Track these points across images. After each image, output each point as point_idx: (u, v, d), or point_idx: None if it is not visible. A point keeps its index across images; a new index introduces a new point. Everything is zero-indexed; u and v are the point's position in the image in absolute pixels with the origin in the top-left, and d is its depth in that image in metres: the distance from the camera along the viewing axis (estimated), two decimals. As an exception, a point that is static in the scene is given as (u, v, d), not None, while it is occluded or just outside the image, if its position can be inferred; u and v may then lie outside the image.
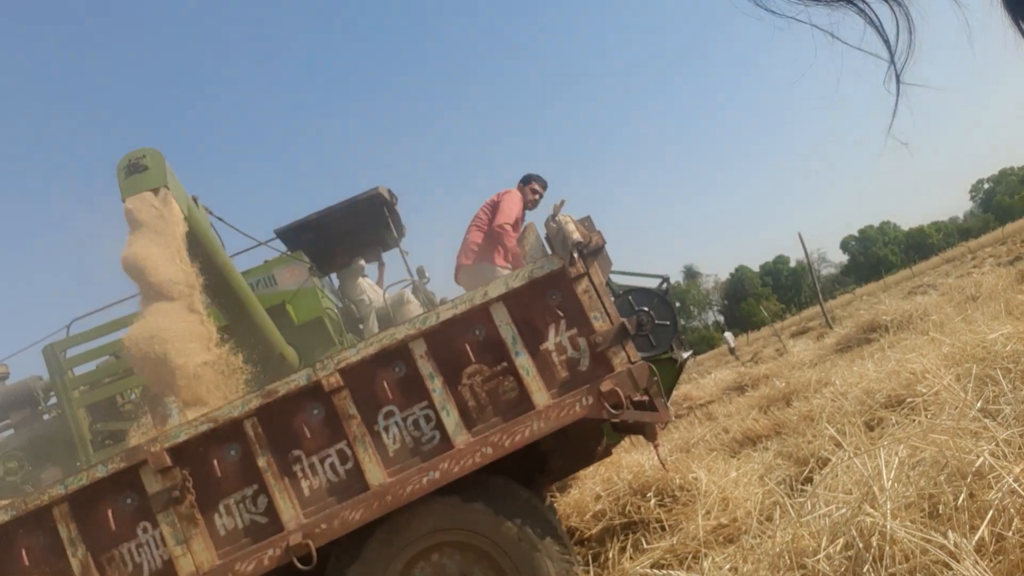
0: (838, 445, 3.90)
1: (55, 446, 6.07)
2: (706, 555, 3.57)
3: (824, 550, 2.60)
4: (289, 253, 6.67)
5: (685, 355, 5.32)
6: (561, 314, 3.48)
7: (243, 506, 3.38)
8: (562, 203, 5.56)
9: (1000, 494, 2.40)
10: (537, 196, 6.40)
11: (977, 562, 2.19)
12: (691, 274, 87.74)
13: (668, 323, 4.56)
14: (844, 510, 2.75)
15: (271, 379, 3.55)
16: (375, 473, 3.32)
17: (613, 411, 3.31)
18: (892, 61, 1.02)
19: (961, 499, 2.48)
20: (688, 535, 3.95)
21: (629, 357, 3.41)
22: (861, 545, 2.48)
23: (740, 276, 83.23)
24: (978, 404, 3.23)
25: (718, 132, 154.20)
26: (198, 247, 4.56)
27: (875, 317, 10.53)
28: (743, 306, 76.17)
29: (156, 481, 3.31)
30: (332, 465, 3.40)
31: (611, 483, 4.96)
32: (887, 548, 2.39)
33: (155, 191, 4.28)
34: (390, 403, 3.43)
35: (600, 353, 3.42)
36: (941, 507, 2.53)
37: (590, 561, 4.08)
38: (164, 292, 4.07)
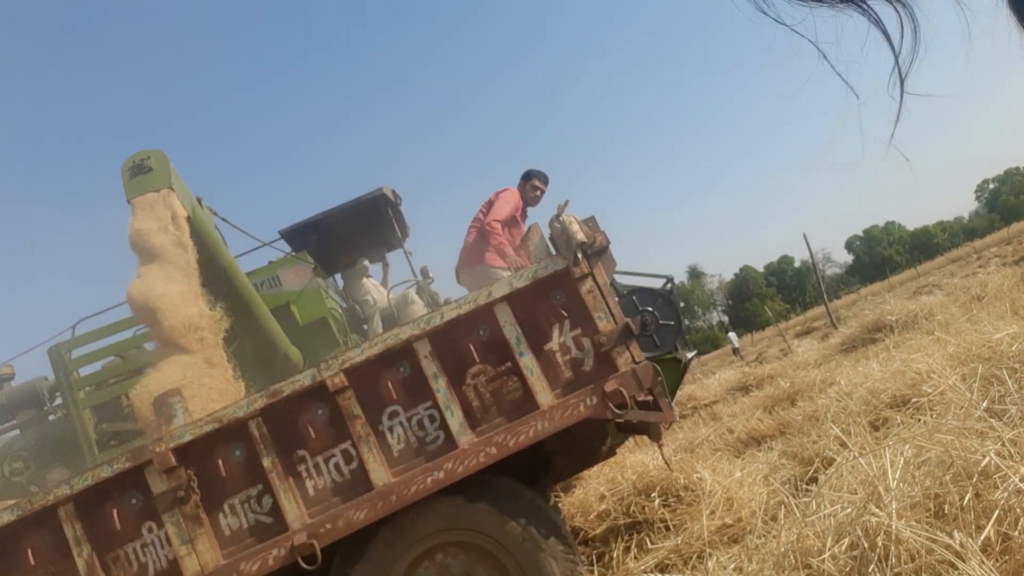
0: (843, 445, 3.89)
1: (61, 446, 6.08)
2: (710, 555, 3.57)
3: (829, 550, 2.59)
4: (293, 254, 6.67)
5: (689, 355, 5.31)
6: (565, 314, 3.48)
7: (248, 506, 3.38)
8: (566, 203, 5.53)
9: (1006, 494, 2.39)
10: (538, 192, 6.35)
11: (983, 562, 2.18)
12: (695, 274, 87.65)
13: (672, 323, 4.56)
14: (849, 510, 2.75)
15: (276, 379, 3.55)
16: (379, 473, 3.32)
17: (617, 411, 3.31)
18: (896, 63, 1.02)
19: (967, 499, 2.47)
20: (692, 535, 3.95)
21: (633, 357, 3.40)
22: (866, 545, 2.47)
23: (744, 276, 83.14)
24: (984, 404, 3.22)
25: (723, 132, 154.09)
26: (202, 248, 4.57)
27: (880, 317, 10.52)
28: (747, 306, 76.07)
29: (161, 481, 3.32)
30: (337, 465, 3.40)
31: (615, 483, 4.96)
32: (892, 548, 2.38)
33: (159, 192, 4.29)
34: (394, 403, 3.43)
35: (604, 353, 3.42)
36: (947, 507, 2.53)
37: (594, 561, 4.07)
38: (181, 341, 4.08)
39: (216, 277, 4.75)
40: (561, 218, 3.63)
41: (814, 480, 4.10)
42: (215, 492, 3.38)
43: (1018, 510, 2.33)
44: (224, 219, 5.47)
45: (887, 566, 2.35)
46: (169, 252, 4.22)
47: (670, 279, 5.09)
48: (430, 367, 3.39)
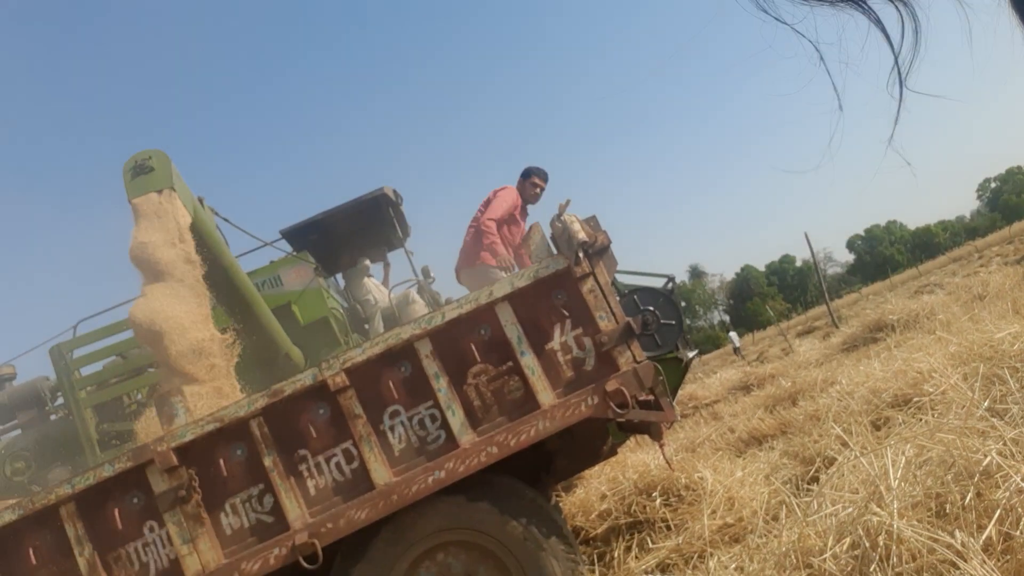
0: (844, 444, 3.89)
1: (62, 446, 6.09)
2: (712, 555, 3.57)
3: (830, 549, 2.59)
4: (295, 253, 6.68)
5: (691, 355, 5.30)
6: (566, 314, 3.48)
7: (249, 505, 3.38)
8: (567, 202, 5.53)
9: (1007, 493, 2.39)
10: (538, 189, 6.33)
11: (984, 561, 2.18)
12: (696, 274, 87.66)
13: (673, 322, 4.55)
14: (850, 509, 2.74)
15: (277, 379, 3.55)
16: (381, 472, 3.33)
17: (619, 410, 3.31)
18: (896, 63, 1.02)
19: (968, 498, 2.47)
20: (694, 535, 3.94)
21: (634, 356, 3.40)
22: (868, 544, 2.47)
23: (746, 276, 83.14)
24: (985, 403, 3.21)
25: (724, 131, 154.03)
26: (204, 248, 4.57)
27: (881, 316, 10.52)
28: (749, 306, 76.07)
29: (162, 480, 3.32)
30: (338, 464, 3.40)
31: (616, 482, 4.96)
32: (894, 547, 2.38)
33: (160, 192, 4.29)
34: (396, 403, 3.43)
35: (606, 352, 3.42)
36: (948, 506, 2.52)
37: (595, 560, 4.07)
38: (189, 369, 3.98)
39: (218, 277, 4.75)
40: (562, 217, 3.63)
41: (815, 480, 4.09)
42: (216, 491, 3.38)
43: (1020, 510, 2.33)
44: (226, 219, 5.47)
45: (888, 566, 2.35)
46: (177, 269, 4.09)
47: (671, 278, 5.08)
48: (431, 366, 3.39)
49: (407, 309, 7.16)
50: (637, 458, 5.36)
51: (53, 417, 6.54)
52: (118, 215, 4.36)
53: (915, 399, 4.49)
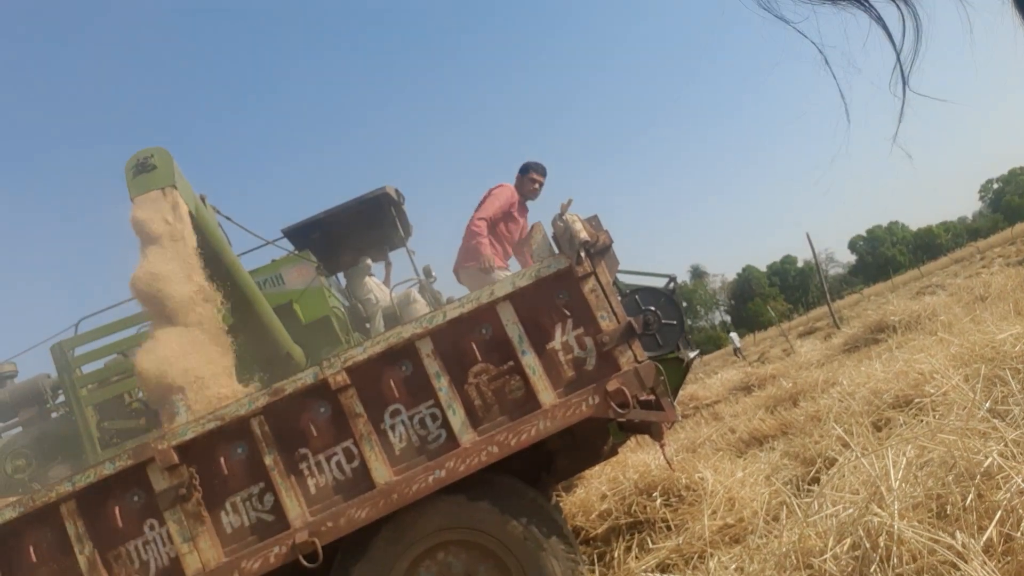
0: (845, 445, 3.89)
1: (63, 444, 6.09)
2: (712, 555, 3.57)
3: (831, 550, 2.59)
4: (296, 252, 6.67)
5: (692, 355, 5.30)
6: (568, 313, 3.48)
7: (249, 504, 3.38)
8: (569, 202, 5.51)
9: (1009, 495, 2.38)
10: (536, 185, 6.23)
11: (985, 563, 2.18)
12: (698, 274, 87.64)
13: (675, 323, 4.54)
14: (851, 510, 2.74)
15: (278, 378, 3.55)
16: (381, 471, 3.33)
17: (619, 410, 3.31)
18: (898, 61, 1.01)
19: (969, 499, 2.47)
20: (694, 535, 3.94)
21: (636, 356, 3.40)
22: (868, 545, 2.47)
23: (747, 276, 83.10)
24: (987, 404, 3.21)
25: (725, 132, 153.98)
26: (206, 246, 4.57)
27: (883, 317, 10.50)
28: (750, 306, 76.03)
29: (163, 479, 3.32)
30: (338, 463, 3.41)
31: (617, 482, 4.96)
32: (894, 548, 2.38)
33: (163, 190, 4.29)
34: (396, 402, 3.43)
35: (607, 352, 3.42)
36: (949, 507, 2.52)
37: (595, 560, 4.07)
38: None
39: (219, 275, 4.75)
40: (564, 217, 3.63)
41: (816, 480, 4.09)
42: (217, 490, 3.38)
43: (1021, 511, 2.33)
44: (228, 217, 5.47)
45: (889, 566, 2.35)
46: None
47: (673, 278, 5.07)
48: (432, 366, 3.39)
49: (408, 308, 7.15)
50: (638, 458, 5.36)
51: (54, 415, 6.54)
52: (120, 214, 4.36)
53: (916, 400, 4.49)
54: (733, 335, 36.61)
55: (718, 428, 7.59)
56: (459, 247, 6.19)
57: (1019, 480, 2.40)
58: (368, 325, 7.27)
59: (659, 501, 4.49)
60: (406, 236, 7.82)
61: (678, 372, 4.69)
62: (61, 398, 6.51)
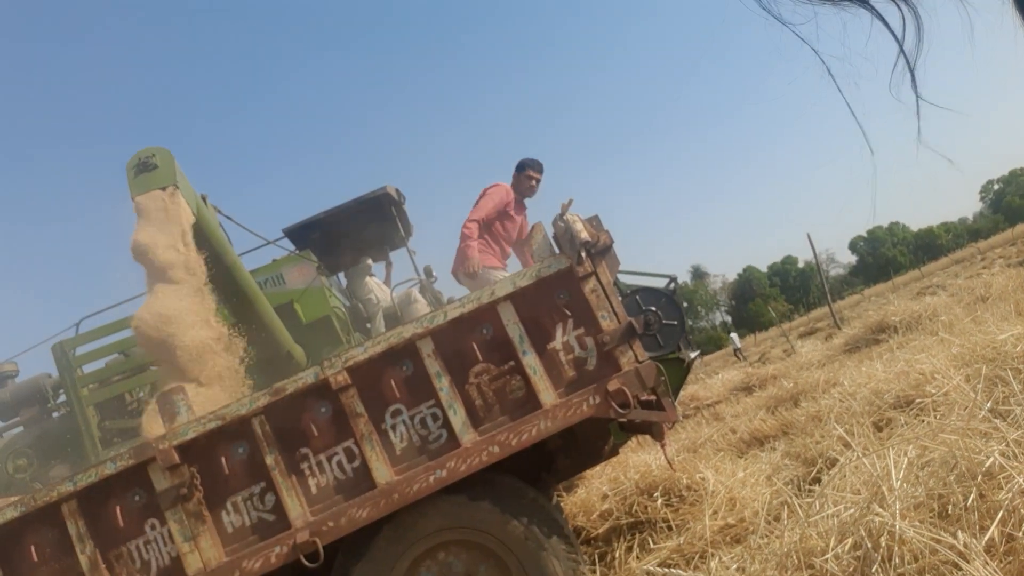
0: (846, 445, 3.88)
1: (64, 443, 6.10)
2: (713, 555, 3.56)
3: (832, 550, 2.58)
4: (297, 252, 6.68)
5: (692, 355, 5.29)
6: (568, 313, 3.48)
7: (250, 504, 3.38)
8: (570, 202, 5.50)
9: (1010, 494, 2.38)
10: (533, 182, 6.16)
11: (987, 563, 2.18)
12: (699, 274, 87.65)
13: (676, 323, 4.54)
14: (853, 510, 2.74)
15: (279, 377, 3.55)
16: (382, 471, 3.32)
17: (620, 410, 3.30)
18: (905, 60, 1.01)
19: (971, 499, 2.46)
20: (695, 535, 3.94)
21: (636, 356, 3.40)
22: (870, 545, 2.46)
23: (748, 276, 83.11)
24: (988, 405, 3.21)
25: (726, 132, 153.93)
26: (207, 245, 4.57)
27: (884, 318, 10.50)
28: (751, 306, 76.03)
29: (164, 478, 3.32)
30: (339, 463, 3.40)
31: (618, 483, 4.95)
32: (896, 548, 2.38)
33: (164, 189, 4.30)
34: (397, 401, 3.43)
35: (607, 352, 3.42)
36: (950, 507, 2.52)
37: (596, 560, 4.06)
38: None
39: (220, 275, 4.76)
40: (565, 217, 3.63)
41: (817, 480, 4.08)
42: (218, 489, 3.38)
43: (1022, 511, 2.33)
44: (229, 217, 5.48)
45: (890, 566, 2.34)
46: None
47: (673, 279, 5.07)
48: (433, 366, 3.39)
49: (409, 308, 7.16)
50: (639, 458, 5.36)
51: (55, 414, 6.54)
52: (122, 213, 4.36)
53: (917, 400, 4.49)
54: (733, 335, 36.57)
55: (719, 428, 7.59)
56: (457, 249, 6.18)
57: (1021, 480, 2.40)
58: (369, 325, 7.28)
59: (660, 501, 4.49)
60: (407, 236, 7.82)
61: (679, 372, 4.69)
62: (62, 397, 6.52)
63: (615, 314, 3.43)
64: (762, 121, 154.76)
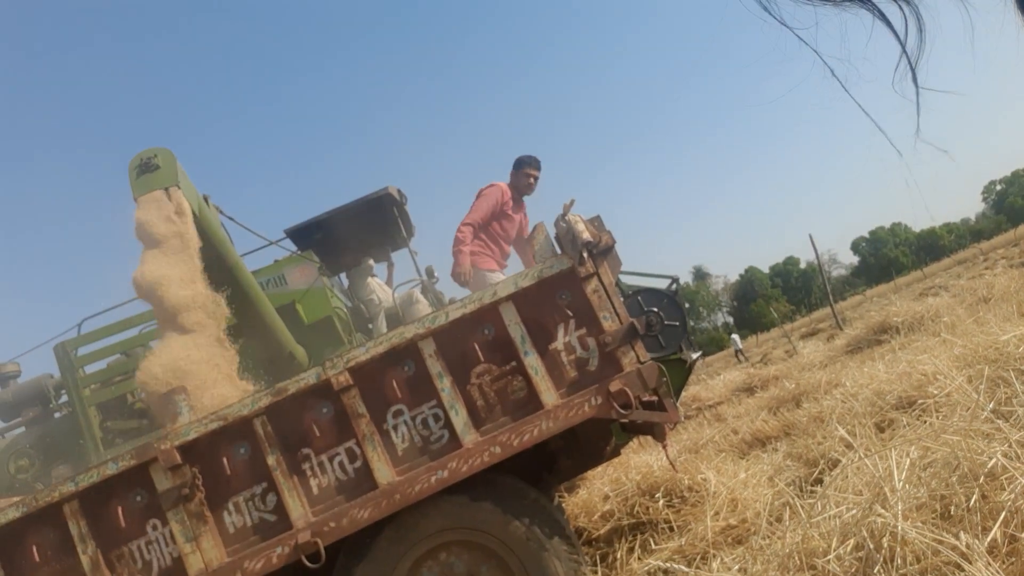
0: (848, 446, 3.88)
1: (66, 444, 6.10)
2: (715, 556, 3.56)
3: (834, 551, 2.58)
4: (299, 252, 6.68)
5: (694, 356, 5.28)
6: (570, 314, 3.47)
7: (252, 504, 3.38)
8: (572, 202, 5.50)
9: (1012, 495, 2.38)
10: (531, 179, 6.11)
11: (989, 563, 2.17)
12: (701, 275, 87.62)
13: (677, 324, 4.54)
14: (855, 511, 2.74)
15: (281, 378, 3.55)
16: (384, 472, 3.32)
17: (622, 411, 3.30)
18: (907, 59, 1.01)
19: (973, 500, 2.46)
20: (697, 536, 3.94)
21: (638, 357, 3.40)
22: (872, 546, 2.46)
23: (750, 277, 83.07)
24: (990, 405, 3.20)
25: (729, 133, 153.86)
26: (208, 246, 4.57)
27: (886, 318, 10.49)
28: (753, 307, 75.98)
29: (166, 479, 3.32)
30: (341, 463, 3.40)
31: (619, 483, 4.95)
32: (898, 549, 2.37)
33: (166, 190, 4.30)
34: (399, 402, 3.43)
35: (609, 353, 3.41)
36: (953, 508, 2.51)
37: (598, 561, 4.07)
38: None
39: (222, 275, 4.75)
40: (567, 217, 3.63)
41: (819, 481, 4.08)
42: (219, 490, 3.38)
43: (1025, 512, 2.32)
44: (231, 218, 5.47)
45: (893, 567, 2.34)
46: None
47: (675, 279, 5.06)
48: (435, 366, 3.39)
49: (411, 309, 7.16)
50: (640, 459, 5.36)
51: (57, 415, 6.55)
52: (124, 213, 4.36)
53: (919, 401, 4.48)
54: (734, 336, 36.52)
55: (721, 429, 7.59)
56: None
57: (1023, 481, 2.39)
58: (371, 325, 7.28)
59: (662, 502, 4.49)
60: (408, 237, 7.82)
61: (681, 373, 4.68)
62: (64, 398, 6.53)
63: (617, 315, 3.43)
64: (762, 122, 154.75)
